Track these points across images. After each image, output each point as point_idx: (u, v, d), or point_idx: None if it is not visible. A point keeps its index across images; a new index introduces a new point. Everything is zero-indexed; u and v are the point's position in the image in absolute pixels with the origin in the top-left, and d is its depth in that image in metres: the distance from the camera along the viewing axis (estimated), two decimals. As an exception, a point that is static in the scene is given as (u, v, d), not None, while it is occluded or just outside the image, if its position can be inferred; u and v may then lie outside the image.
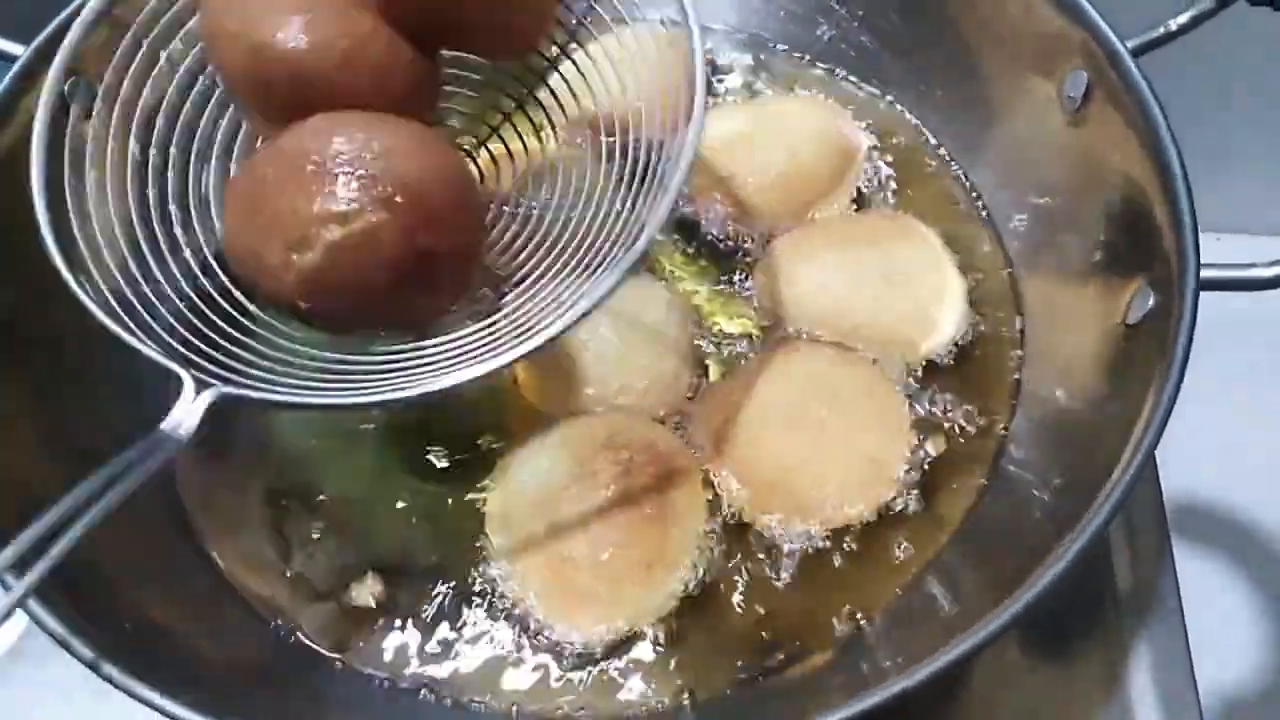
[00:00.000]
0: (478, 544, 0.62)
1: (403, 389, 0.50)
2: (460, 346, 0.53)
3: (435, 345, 0.54)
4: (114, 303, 0.51)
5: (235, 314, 0.54)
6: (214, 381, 0.49)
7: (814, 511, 0.61)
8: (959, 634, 0.48)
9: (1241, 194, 0.94)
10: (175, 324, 0.52)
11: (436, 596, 0.61)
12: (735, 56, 0.83)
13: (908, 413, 0.64)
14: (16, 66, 0.61)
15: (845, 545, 0.61)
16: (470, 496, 0.63)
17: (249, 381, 0.50)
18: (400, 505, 0.64)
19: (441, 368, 0.52)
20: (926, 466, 0.64)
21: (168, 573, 0.62)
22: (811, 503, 0.61)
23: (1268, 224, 0.97)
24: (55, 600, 0.50)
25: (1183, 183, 0.55)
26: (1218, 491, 0.92)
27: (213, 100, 0.59)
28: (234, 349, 0.52)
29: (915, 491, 0.63)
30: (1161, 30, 0.62)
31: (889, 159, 0.76)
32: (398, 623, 0.61)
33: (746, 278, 0.71)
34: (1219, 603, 0.86)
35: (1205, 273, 0.53)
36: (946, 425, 0.65)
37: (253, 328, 0.54)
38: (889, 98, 0.80)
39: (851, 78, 0.81)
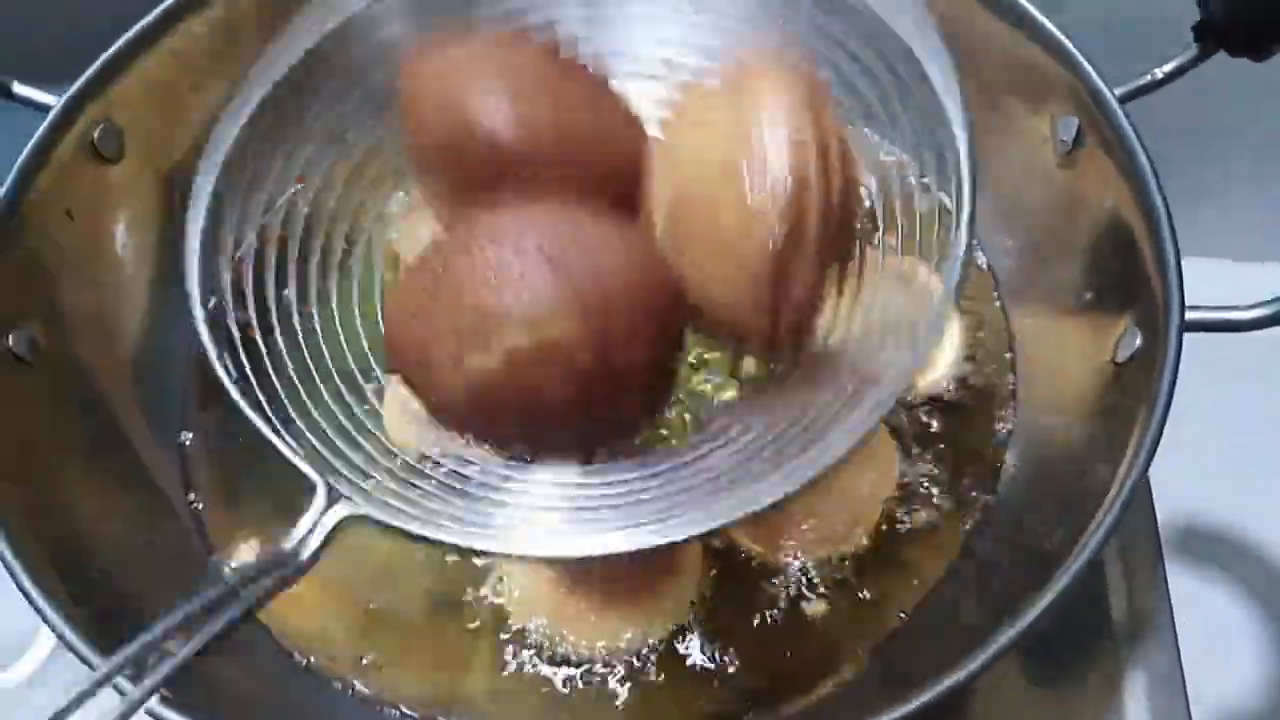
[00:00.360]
0: (482, 567, 0.63)
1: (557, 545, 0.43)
2: (633, 492, 0.45)
3: (594, 487, 0.46)
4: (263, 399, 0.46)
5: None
6: (349, 495, 0.42)
7: (800, 544, 0.62)
8: (954, 664, 0.50)
9: (1238, 224, 0.96)
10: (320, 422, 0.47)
11: (436, 620, 0.62)
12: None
13: (896, 450, 0.65)
14: (51, 116, 0.63)
15: (835, 580, 0.62)
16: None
17: (384, 500, 0.44)
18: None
19: (601, 519, 0.44)
20: (919, 503, 0.65)
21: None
22: (796, 535, 0.62)
23: (1263, 253, 0.99)
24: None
25: (1168, 229, 0.57)
26: (1212, 511, 0.93)
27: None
28: (375, 457, 0.46)
29: (907, 527, 0.64)
30: (1148, 78, 0.63)
31: (881, 197, 0.77)
32: (398, 649, 0.62)
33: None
34: (1213, 622, 0.87)
35: (1189, 314, 0.55)
36: (941, 460, 0.67)
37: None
38: (883, 138, 0.80)
39: (846, 119, 0.82)
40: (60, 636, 0.50)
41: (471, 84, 0.45)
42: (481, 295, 0.41)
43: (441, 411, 0.44)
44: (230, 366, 0.45)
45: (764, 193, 0.42)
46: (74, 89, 0.64)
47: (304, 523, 0.41)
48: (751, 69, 0.46)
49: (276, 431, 0.44)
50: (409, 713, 0.61)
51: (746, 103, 0.43)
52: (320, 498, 0.42)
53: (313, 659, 0.62)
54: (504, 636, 0.61)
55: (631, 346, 0.42)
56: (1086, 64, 0.63)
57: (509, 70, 0.46)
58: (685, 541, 0.41)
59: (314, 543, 0.41)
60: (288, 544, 0.41)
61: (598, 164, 0.46)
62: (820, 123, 0.44)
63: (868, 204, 0.53)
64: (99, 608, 0.53)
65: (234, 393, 0.44)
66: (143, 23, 0.66)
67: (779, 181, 0.42)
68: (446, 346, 0.42)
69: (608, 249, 0.43)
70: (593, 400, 0.42)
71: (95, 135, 0.65)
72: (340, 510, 0.42)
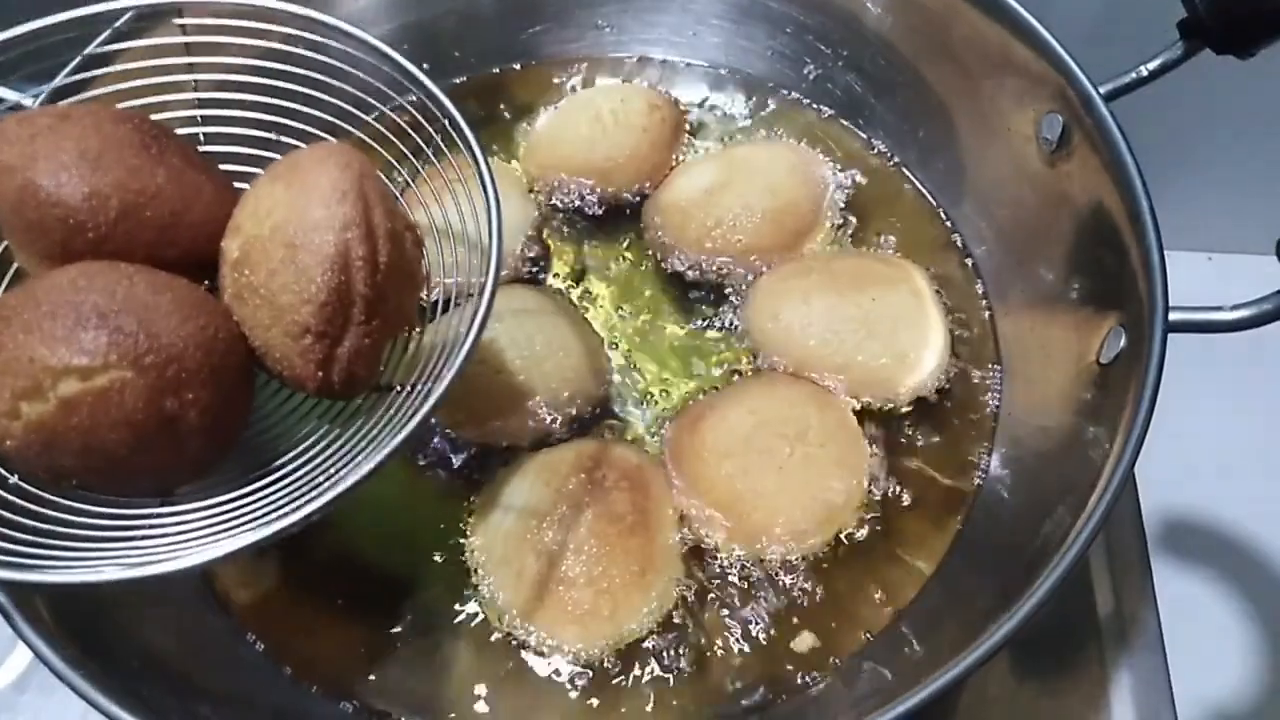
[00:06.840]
0: (470, 582, 0.63)
1: (142, 564, 0.45)
2: (211, 514, 0.49)
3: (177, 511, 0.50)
4: None
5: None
6: None
7: (768, 540, 0.62)
8: (941, 663, 0.50)
9: (1221, 219, 0.96)
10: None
11: (430, 634, 0.62)
12: (722, 95, 0.85)
13: (868, 457, 0.65)
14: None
15: (816, 578, 0.62)
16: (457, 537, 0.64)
17: None
18: (388, 544, 0.65)
19: (191, 536, 0.47)
20: (903, 503, 0.65)
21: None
22: (763, 531, 0.62)
23: (1244, 246, 0.99)
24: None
25: (1153, 231, 0.57)
26: (1198, 509, 0.93)
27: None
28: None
29: (891, 527, 0.64)
30: (1134, 76, 0.63)
31: (871, 195, 0.78)
32: (388, 659, 0.62)
33: (732, 316, 0.72)
34: (1198, 620, 0.87)
35: (1173, 315, 0.55)
36: (926, 461, 0.67)
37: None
38: (872, 135, 0.81)
39: (836, 116, 0.82)
40: None
41: (44, 155, 0.48)
42: (36, 347, 0.44)
43: (5, 455, 0.47)
44: None
45: (308, 265, 0.48)
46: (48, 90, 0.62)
47: None
48: (308, 153, 0.51)
49: None
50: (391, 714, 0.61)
51: (299, 185, 0.49)
52: None
53: (298, 667, 0.62)
54: (489, 640, 0.61)
55: (185, 393, 0.46)
56: (1072, 61, 0.63)
57: (84, 143, 0.49)
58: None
59: None
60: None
61: (161, 238, 0.50)
62: (366, 202, 0.49)
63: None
64: None
65: None
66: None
67: (321, 257, 0.47)
68: (4, 395, 0.45)
69: (163, 302, 0.47)
70: (151, 442, 0.46)
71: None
72: None
